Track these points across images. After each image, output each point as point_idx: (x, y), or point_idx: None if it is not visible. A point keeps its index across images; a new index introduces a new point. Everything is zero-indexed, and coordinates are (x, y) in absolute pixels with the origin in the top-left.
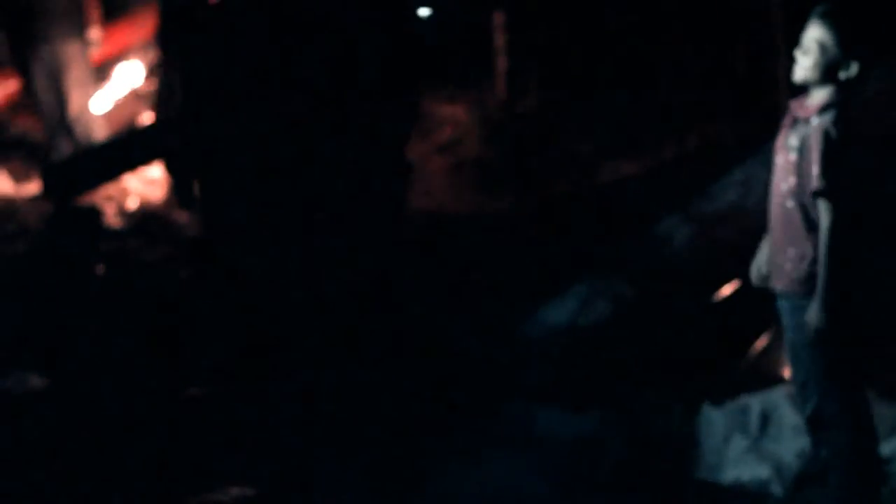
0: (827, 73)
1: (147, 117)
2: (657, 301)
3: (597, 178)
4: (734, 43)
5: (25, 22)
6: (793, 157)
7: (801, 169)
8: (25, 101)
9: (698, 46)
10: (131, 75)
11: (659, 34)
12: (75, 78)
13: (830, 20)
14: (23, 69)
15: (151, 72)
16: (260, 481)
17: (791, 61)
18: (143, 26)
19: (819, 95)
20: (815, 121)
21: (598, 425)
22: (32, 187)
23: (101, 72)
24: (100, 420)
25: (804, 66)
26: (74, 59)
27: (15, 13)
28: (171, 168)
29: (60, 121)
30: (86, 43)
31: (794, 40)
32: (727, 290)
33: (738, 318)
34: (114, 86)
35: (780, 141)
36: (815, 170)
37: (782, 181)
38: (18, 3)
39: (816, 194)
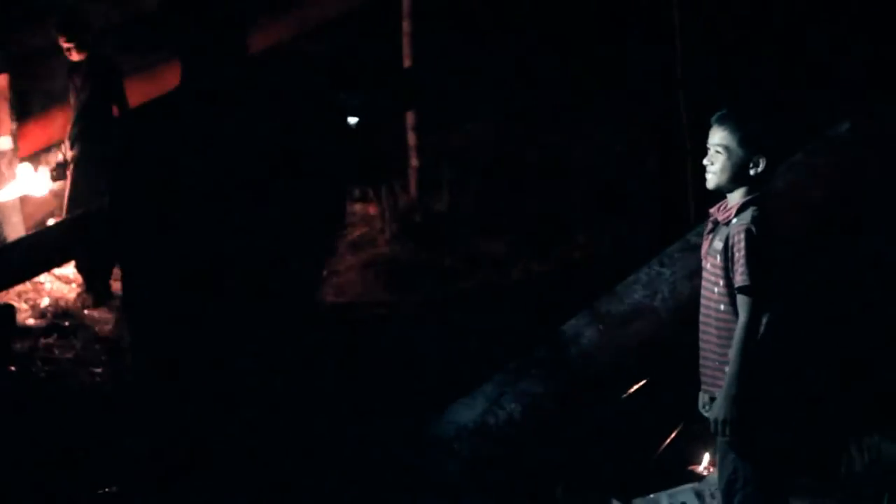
0: (737, 174)
1: (58, 216)
2: (566, 400)
3: (507, 276)
4: (646, 148)
5: None
6: (719, 260)
7: (727, 271)
8: None
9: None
10: (41, 174)
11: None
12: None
13: (729, 123)
14: None
15: (63, 170)
16: None
17: (697, 165)
18: (58, 124)
19: (735, 197)
20: (735, 221)
21: None
22: None
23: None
24: None
25: (713, 171)
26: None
27: None
28: (81, 267)
29: None
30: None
31: (700, 146)
32: (635, 387)
33: (647, 416)
34: (25, 185)
35: (704, 248)
36: (738, 268)
37: (713, 286)
38: None
39: (740, 290)
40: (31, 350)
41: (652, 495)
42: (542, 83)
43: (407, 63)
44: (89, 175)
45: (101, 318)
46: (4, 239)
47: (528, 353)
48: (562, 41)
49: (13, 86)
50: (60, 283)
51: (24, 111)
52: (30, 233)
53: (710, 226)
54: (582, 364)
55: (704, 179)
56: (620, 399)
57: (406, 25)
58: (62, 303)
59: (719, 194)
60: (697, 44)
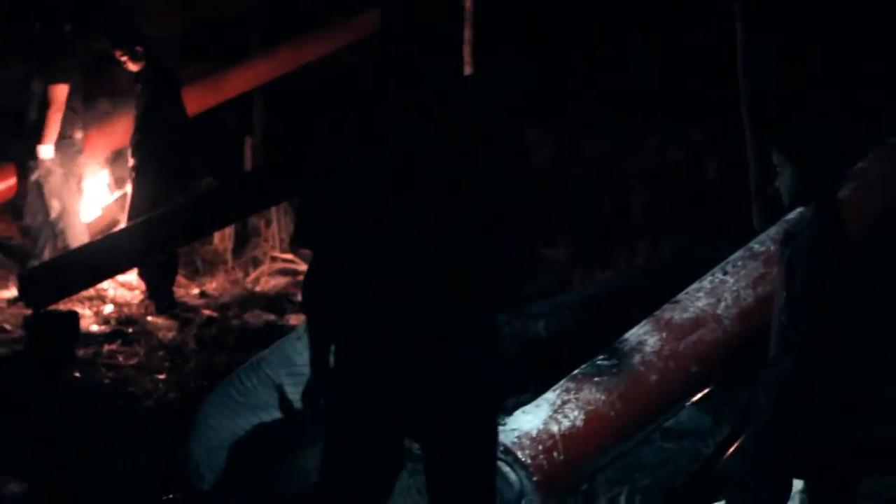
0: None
1: (122, 223)
2: (629, 408)
3: (569, 282)
4: (705, 157)
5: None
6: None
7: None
8: (2, 205)
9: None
10: (108, 183)
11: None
12: (57, 183)
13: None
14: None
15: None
16: None
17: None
18: (120, 132)
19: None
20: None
21: None
22: (10, 292)
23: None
24: None
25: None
26: (59, 165)
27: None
28: (143, 274)
29: (42, 225)
30: (69, 149)
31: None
32: (698, 396)
33: (709, 423)
34: (95, 193)
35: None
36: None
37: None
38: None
39: None
40: (94, 356)
41: (717, 503)
42: (598, 89)
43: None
44: (149, 183)
45: (164, 325)
46: (68, 247)
47: (591, 360)
48: (615, 44)
49: (80, 92)
50: (124, 290)
51: (89, 118)
52: (93, 240)
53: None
54: (644, 372)
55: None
56: (683, 407)
57: (467, 33)
58: (126, 309)
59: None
60: (760, 44)
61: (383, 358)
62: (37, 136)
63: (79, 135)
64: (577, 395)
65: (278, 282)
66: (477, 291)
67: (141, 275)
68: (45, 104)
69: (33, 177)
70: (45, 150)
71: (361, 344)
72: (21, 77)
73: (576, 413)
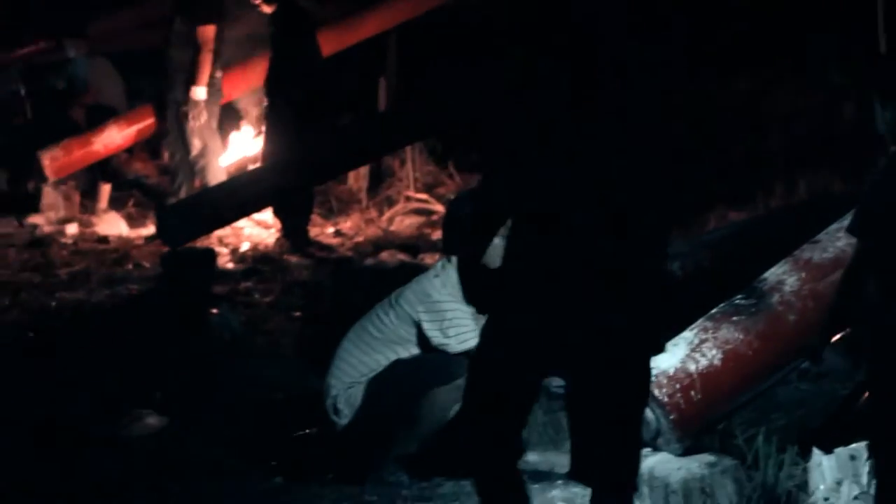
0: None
1: (259, 162)
2: (767, 349)
3: (705, 223)
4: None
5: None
6: None
7: None
8: (141, 144)
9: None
10: (245, 123)
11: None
12: (200, 123)
13: None
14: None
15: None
16: None
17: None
18: (257, 73)
19: None
20: None
21: (707, 470)
22: (148, 229)
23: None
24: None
25: None
26: (200, 105)
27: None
28: (280, 212)
29: (181, 163)
30: (211, 89)
31: None
32: (836, 337)
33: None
34: (236, 134)
35: None
36: None
37: None
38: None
39: None
40: (231, 293)
41: (854, 446)
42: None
43: None
44: (284, 123)
45: (299, 262)
46: (206, 185)
47: (729, 300)
48: None
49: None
50: (259, 229)
51: (226, 59)
52: (231, 179)
53: None
54: (783, 311)
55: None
56: (821, 349)
57: None
58: (261, 247)
59: None
60: None
61: (551, 287)
62: (187, 77)
63: (219, 74)
64: (714, 335)
65: (413, 221)
66: (650, 224)
67: (277, 214)
68: (189, 45)
69: (175, 116)
70: (199, 92)
71: (529, 272)
72: (159, 17)
73: (713, 352)
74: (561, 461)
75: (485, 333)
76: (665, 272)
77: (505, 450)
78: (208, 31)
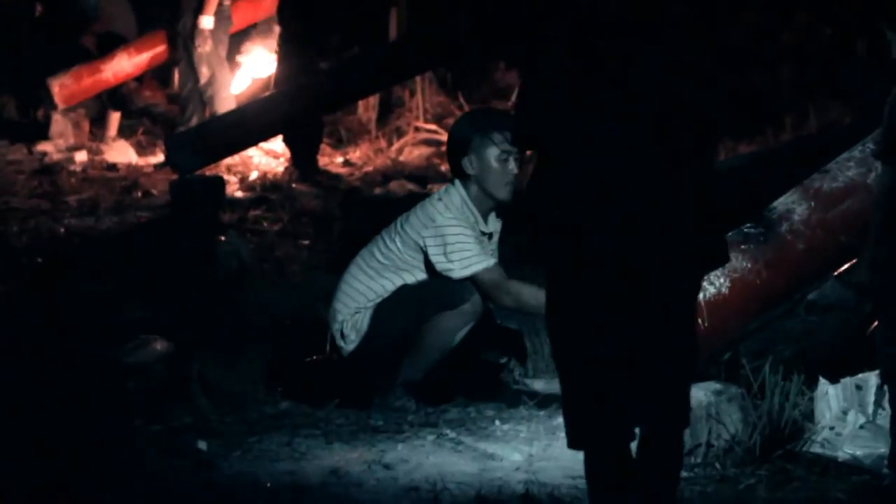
0: None
1: (269, 90)
2: (776, 277)
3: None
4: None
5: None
6: None
7: None
8: (150, 73)
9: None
10: (258, 54)
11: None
12: (208, 51)
13: None
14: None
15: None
16: None
17: None
18: (268, 3)
19: None
20: None
21: (714, 398)
22: (157, 157)
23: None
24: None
25: None
26: (208, 33)
27: None
28: (290, 141)
29: (191, 92)
30: (220, 18)
31: None
32: (846, 266)
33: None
34: (246, 63)
35: None
36: None
37: None
38: None
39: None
40: (239, 221)
41: (860, 375)
42: None
43: None
44: (295, 52)
45: (307, 191)
46: (215, 113)
47: (738, 228)
48: None
49: None
50: (268, 158)
51: None
52: (239, 107)
53: None
54: (792, 240)
55: None
56: (830, 277)
57: None
58: (270, 176)
59: None
60: None
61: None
62: (195, 5)
63: (227, 2)
64: None
65: (422, 152)
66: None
67: (286, 142)
68: None
69: (184, 45)
70: (206, 20)
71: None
72: None
73: (721, 280)
74: None
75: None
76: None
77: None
78: None
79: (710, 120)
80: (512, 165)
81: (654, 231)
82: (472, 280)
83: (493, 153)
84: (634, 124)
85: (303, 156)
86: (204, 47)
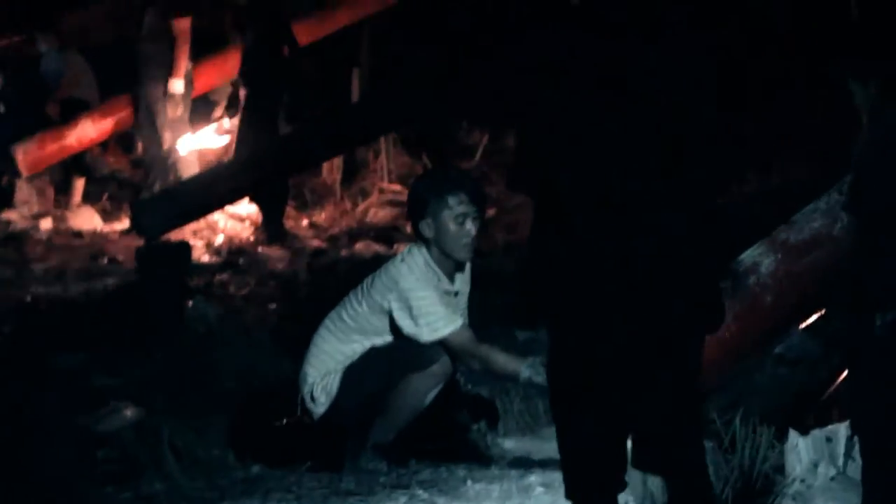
0: None
1: (232, 154)
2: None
3: None
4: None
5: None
6: None
7: None
8: (114, 138)
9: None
10: (218, 114)
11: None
12: (170, 117)
13: None
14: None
15: (235, 108)
16: None
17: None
18: (230, 64)
19: None
20: None
21: None
22: (122, 223)
23: (194, 108)
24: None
25: None
26: (178, 98)
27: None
28: (256, 203)
29: (155, 157)
30: (185, 82)
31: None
32: (812, 318)
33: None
34: (204, 125)
35: None
36: None
37: None
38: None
39: None
40: (206, 286)
41: (830, 427)
42: None
43: None
44: (258, 115)
45: (274, 255)
46: (179, 178)
47: None
48: None
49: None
50: (234, 222)
51: (200, 51)
52: (204, 171)
53: None
54: (759, 293)
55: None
56: (797, 330)
57: None
58: (236, 240)
59: None
60: None
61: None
62: (160, 70)
63: (190, 67)
64: None
65: (387, 213)
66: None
67: (254, 204)
68: (163, 37)
69: (148, 110)
70: (177, 85)
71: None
72: (129, 10)
73: None
74: (538, 447)
75: (557, 344)
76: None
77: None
78: (184, 24)
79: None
80: (469, 226)
81: (668, 283)
82: (441, 343)
83: (449, 216)
84: (640, 141)
85: (269, 219)
86: (174, 112)
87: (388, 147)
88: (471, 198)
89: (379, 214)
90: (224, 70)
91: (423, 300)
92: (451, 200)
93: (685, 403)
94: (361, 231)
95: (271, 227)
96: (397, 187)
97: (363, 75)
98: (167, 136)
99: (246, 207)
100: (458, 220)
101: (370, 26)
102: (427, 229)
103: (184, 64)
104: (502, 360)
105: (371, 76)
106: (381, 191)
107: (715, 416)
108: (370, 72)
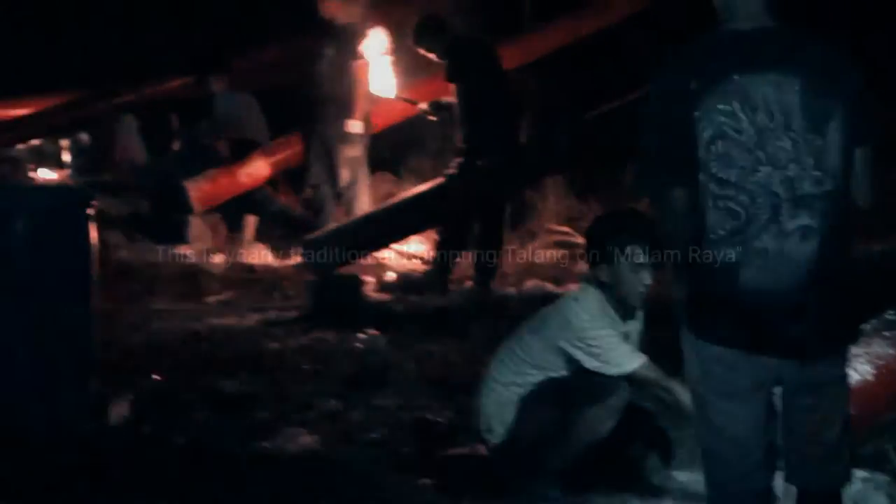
0: None
1: (404, 192)
2: None
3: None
4: None
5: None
6: None
7: None
8: (284, 176)
9: None
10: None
11: None
12: (347, 156)
13: None
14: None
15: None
16: None
17: None
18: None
19: None
20: None
21: (861, 485)
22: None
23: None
24: None
25: None
26: (357, 137)
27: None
28: (436, 244)
29: (327, 194)
30: (361, 124)
31: None
32: None
33: None
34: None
35: None
36: None
37: None
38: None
39: None
40: (377, 321)
41: None
42: None
43: None
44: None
45: (444, 292)
46: (352, 216)
47: (880, 315)
48: None
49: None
50: (404, 259)
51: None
52: (377, 209)
53: None
54: None
55: None
56: None
57: None
58: (407, 276)
59: None
60: None
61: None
62: (339, 110)
63: (369, 107)
64: (866, 350)
65: (555, 254)
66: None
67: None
68: (342, 78)
69: (325, 148)
70: (356, 125)
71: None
72: (303, 53)
73: (866, 367)
74: None
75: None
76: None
77: None
78: (365, 68)
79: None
80: (645, 276)
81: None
82: (629, 377)
83: (626, 264)
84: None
85: (444, 258)
86: (352, 151)
87: (554, 189)
88: (649, 248)
89: (547, 254)
90: (395, 111)
91: (603, 339)
92: (630, 249)
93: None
94: (530, 272)
95: (441, 274)
96: (565, 228)
97: (532, 117)
98: (344, 175)
99: (415, 244)
100: (635, 269)
101: (539, 68)
102: (603, 274)
103: (362, 105)
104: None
105: (540, 118)
106: (549, 231)
107: (891, 450)
108: (539, 114)
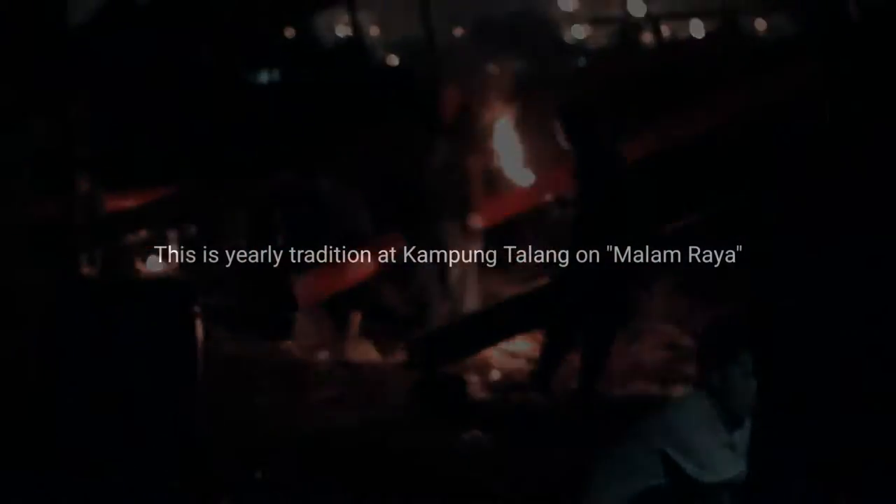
0: None
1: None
2: None
3: None
4: None
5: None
6: None
7: None
8: (389, 272)
9: None
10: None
11: None
12: (458, 251)
13: None
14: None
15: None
16: None
17: None
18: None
19: None
20: None
21: None
22: (398, 357)
23: None
24: None
25: None
26: (457, 235)
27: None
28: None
29: (433, 292)
30: (468, 222)
31: None
32: None
33: None
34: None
35: None
36: None
37: None
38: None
39: None
40: (482, 421)
41: None
42: None
43: None
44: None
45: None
46: (458, 313)
47: None
48: None
49: None
50: (508, 358)
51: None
52: (482, 308)
53: None
54: None
55: None
56: None
57: None
58: (512, 377)
59: None
60: None
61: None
62: (451, 205)
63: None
64: None
65: (661, 355)
66: None
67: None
68: (453, 174)
69: (435, 244)
70: (476, 219)
71: None
72: (410, 145)
73: None
74: None
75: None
76: None
77: None
78: (478, 162)
79: None
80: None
81: None
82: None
83: (739, 372)
84: None
85: (546, 360)
86: (465, 247)
87: (662, 289)
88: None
89: (654, 355)
90: (511, 206)
91: (703, 445)
92: (744, 357)
93: None
94: (635, 372)
95: (543, 376)
96: (671, 328)
97: None
98: (454, 272)
99: (520, 343)
100: (747, 377)
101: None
102: (714, 379)
103: (479, 200)
104: None
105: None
106: (654, 331)
107: None
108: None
